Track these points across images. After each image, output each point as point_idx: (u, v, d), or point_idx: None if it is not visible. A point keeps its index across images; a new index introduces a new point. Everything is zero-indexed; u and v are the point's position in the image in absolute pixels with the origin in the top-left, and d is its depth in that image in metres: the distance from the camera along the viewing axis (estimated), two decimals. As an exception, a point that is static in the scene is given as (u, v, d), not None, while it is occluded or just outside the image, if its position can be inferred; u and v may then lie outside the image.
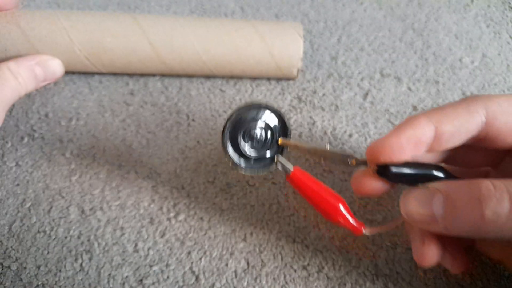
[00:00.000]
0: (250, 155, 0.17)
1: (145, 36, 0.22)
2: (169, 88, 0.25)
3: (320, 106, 0.25)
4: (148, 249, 0.19)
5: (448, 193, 0.13)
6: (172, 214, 0.20)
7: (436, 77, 0.27)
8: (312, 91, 0.26)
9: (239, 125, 0.17)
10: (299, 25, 0.24)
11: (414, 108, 0.25)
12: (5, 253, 0.18)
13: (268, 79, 0.26)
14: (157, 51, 0.23)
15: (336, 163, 0.15)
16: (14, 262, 0.18)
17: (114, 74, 0.25)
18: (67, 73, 0.24)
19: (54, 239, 0.19)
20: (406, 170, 0.15)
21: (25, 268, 0.18)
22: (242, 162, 0.17)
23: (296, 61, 0.24)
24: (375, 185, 0.15)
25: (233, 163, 0.17)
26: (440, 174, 0.15)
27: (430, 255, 0.15)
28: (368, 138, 0.24)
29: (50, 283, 0.18)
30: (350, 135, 0.24)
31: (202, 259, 0.19)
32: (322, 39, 0.29)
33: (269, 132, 0.17)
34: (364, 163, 0.16)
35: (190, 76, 0.26)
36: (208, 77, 0.26)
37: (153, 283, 0.18)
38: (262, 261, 0.19)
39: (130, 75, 0.26)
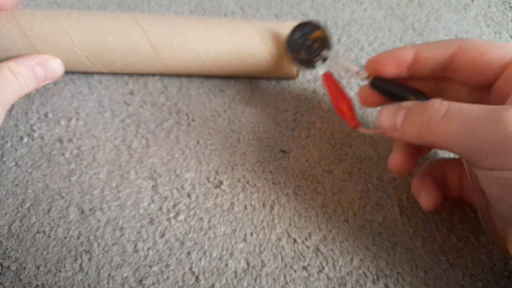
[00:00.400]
0: (301, 58, 0.23)
1: (145, 36, 0.22)
2: (169, 88, 0.25)
3: (320, 106, 0.25)
4: (148, 249, 0.19)
5: (410, 108, 0.17)
6: (172, 214, 0.20)
7: (436, 77, 0.27)
8: (312, 91, 0.26)
9: (297, 33, 0.22)
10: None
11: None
12: (4, 253, 0.18)
13: (268, 79, 0.26)
14: (157, 51, 0.23)
15: (352, 76, 0.21)
16: (14, 262, 0.18)
17: (114, 74, 0.25)
18: (66, 72, 0.24)
19: (53, 239, 0.19)
20: (387, 84, 0.19)
21: (24, 268, 0.18)
22: (295, 60, 0.23)
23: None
24: (371, 96, 0.20)
25: (291, 58, 0.23)
26: (418, 96, 0.18)
27: (398, 160, 0.18)
28: (367, 138, 0.24)
29: (49, 283, 0.17)
30: (349, 135, 0.24)
31: (202, 260, 0.19)
32: (322, 39, 0.29)
33: (317, 44, 0.22)
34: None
35: (190, 75, 0.26)
36: (208, 77, 0.26)
37: (153, 284, 0.18)
38: (262, 261, 0.19)
39: (130, 75, 0.26)
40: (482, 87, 0.17)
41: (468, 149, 0.15)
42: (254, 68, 0.24)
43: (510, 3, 0.34)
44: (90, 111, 0.24)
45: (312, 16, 0.31)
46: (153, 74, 0.26)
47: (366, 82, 0.20)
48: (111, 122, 0.23)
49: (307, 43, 0.22)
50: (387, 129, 0.18)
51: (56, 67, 0.22)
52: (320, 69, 0.22)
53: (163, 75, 0.26)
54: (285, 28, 0.24)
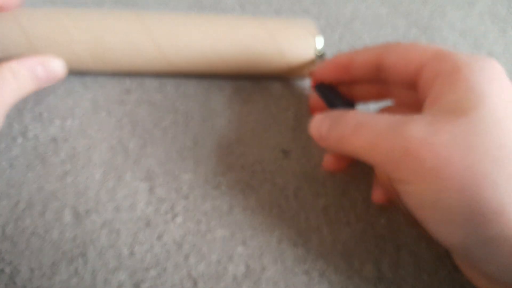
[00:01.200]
0: None
1: (149, 36, 0.22)
2: (167, 86, 0.25)
3: (322, 105, 0.25)
4: (145, 252, 0.18)
5: (331, 119, 0.17)
6: (169, 217, 0.20)
7: (440, 75, 0.27)
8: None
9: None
10: (312, 23, 0.23)
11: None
12: (-2, 256, 0.18)
13: (276, 78, 0.26)
14: (163, 51, 0.22)
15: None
16: (8, 265, 0.18)
17: (112, 72, 0.25)
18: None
19: (48, 242, 0.18)
20: (324, 91, 0.20)
21: (19, 271, 0.18)
22: None
23: (308, 60, 0.23)
24: (318, 103, 0.21)
25: None
26: (345, 105, 0.19)
27: (328, 159, 0.20)
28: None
29: (44, 287, 0.17)
30: (352, 135, 0.23)
31: (200, 263, 0.18)
32: (324, 36, 0.29)
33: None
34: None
35: (193, 75, 0.25)
36: (209, 76, 0.25)
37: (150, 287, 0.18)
38: (262, 265, 0.18)
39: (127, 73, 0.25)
40: (413, 88, 0.17)
41: (375, 162, 0.15)
42: (263, 68, 0.23)
43: (515, -1, 0.34)
44: (86, 110, 0.23)
45: (313, 13, 0.31)
46: (159, 75, 0.25)
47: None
48: (107, 122, 0.23)
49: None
50: (315, 138, 0.18)
51: (58, 67, 0.22)
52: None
53: (168, 75, 0.25)
54: (296, 25, 0.23)
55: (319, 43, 0.23)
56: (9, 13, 0.21)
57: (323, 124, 0.18)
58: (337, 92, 0.20)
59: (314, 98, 0.21)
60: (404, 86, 0.18)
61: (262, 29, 0.23)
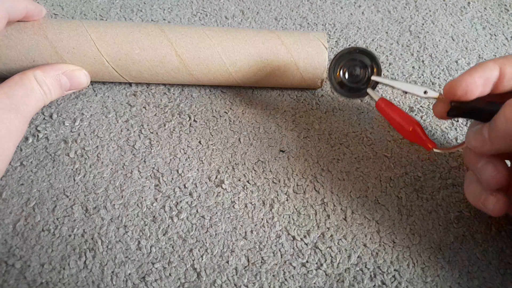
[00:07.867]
0: (348, 85, 0.22)
1: (173, 49, 0.22)
2: (171, 89, 0.26)
3: (319, 107, 0.26)
4: (151, 246, 0.19)
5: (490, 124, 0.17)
6: (174, 213, 0.20)
7: (433, 79, 0.28)
8: (311, 93, 0.26)
9: (340, 62, 0.22)
10: (323, 35, 0.24)
11: (411, 109, 0.26)
12: (9, 251, 0.18)
13: (292, 89, 0.26)
14: (184, 63, 0.23)
15: (416, 95, 0.20)
16: (18, 260, 0.18)
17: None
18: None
19: (58, 237, 0.19)
20: (474, 105, 0.18)
21: (29, 266, 0.18)
22: (340, 89, 0.23)
23: (321, 72, 0.24)
24: (443, 114, 0.19)
25: (334, 88, 0.23)
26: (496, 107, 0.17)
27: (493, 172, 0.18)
28: (364, 138, 0.24)
29: (54, 281, 0.18)
30: (346, 135, 0.24)
31: (204, 257, 0.19)
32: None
33: (365, 70, 0.22)
34: (437, 97, 0.20)
35: (216, 86, 0.26)
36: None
37: (156, 280, 0.18)
38: (262, 258, 0.19)
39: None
40: None
41: None
42: (280, 80, 0.24)
43: (505, 5, 0.35)
44: (94, 112, 0.24)
45: (311, 19, 0.32)
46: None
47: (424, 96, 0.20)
48: (114, 123, 0.24)
49: (355, 72, 0.22)
50: (475, 146, 0.18)
51: (82, 78, 0.22)
52: (374, 95, 0.22)
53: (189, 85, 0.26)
54: (311, 39, 0.23)
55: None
56: (35, 25, 0.21)
57: (484, 130, 0.17)
58: (487, 101, 0.18)
59: (441, 110, 0.19)
60: None
61: (279, 44, 0.23)
